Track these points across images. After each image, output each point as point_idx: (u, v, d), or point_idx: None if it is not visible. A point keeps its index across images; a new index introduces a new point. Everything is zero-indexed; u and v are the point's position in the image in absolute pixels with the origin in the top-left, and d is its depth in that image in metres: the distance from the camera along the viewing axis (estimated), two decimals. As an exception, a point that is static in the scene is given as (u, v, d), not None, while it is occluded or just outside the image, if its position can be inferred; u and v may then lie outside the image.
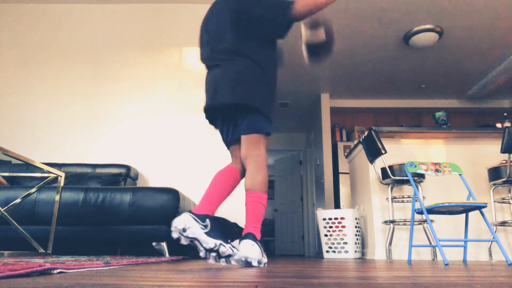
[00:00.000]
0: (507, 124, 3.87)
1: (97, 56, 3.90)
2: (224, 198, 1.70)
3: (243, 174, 1.79)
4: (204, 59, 1.82)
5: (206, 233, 1.44)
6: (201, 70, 3.85)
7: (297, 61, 5.07)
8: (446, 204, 2.20)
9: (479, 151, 3.45)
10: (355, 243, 3.51)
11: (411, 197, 3.18)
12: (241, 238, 1.57)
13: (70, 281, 0.74)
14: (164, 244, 2.60)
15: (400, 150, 3.47)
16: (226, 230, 2.76)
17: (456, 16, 4.05)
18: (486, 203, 2.20)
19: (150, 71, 3.86)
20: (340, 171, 5.78)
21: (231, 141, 1.79)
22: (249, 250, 1.49)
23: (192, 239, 1.42)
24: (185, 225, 1.42)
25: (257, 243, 1.53)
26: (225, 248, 1.43)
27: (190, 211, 1.52)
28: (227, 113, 1.73)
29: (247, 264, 1.46)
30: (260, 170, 1.67)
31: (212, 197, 1.63)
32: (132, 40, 3.96)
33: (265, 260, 1.55)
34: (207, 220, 1.47)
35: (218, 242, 1.42)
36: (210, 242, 1.41)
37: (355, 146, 3.84)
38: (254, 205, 1.59)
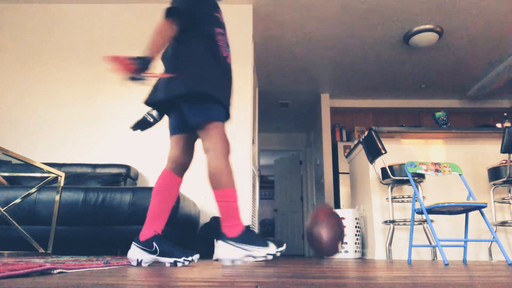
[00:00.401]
0: (507, 124, 3.87)
1: (97, 56, 3.90)
2: (169, 210, 1.74)
3: (180, 170, 1.77)
4: None
5: (159, 255, 1.58)
6: (201, 70, 3.84)
7: (297, 61, 5.07)
8: (446, 204, 2.20)
9: (479, 151, 3.45)
10: (355, 243, 3.51)
11: (411, 197, 3.18)
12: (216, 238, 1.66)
13: (70, 281, 0.74)
14: (164, 244, 2.60)
15: (400, 150, 3.47)
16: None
17: (456, 16, 4.05)
18: (486, 203, 2.20)
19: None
20: (340, 171, 5.78)
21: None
22: (221, 252, 1.56)
23: (152, 262, 1.63)
24: (137, 259, 1.60)
25: (228, 242, 1.54)
26: (180, 263, 1.57)
27: (136, 240, 1.63)
28: None
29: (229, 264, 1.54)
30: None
31: (154, 216, 1.69)
32: (132, 40, 3.96)
33: (257, 251, 1.51)
34: (154, 244, 1.60)
35: (173, 259, 1.57)
36: (166, 261, 1.58)
37: (355, 146, 3.84)
38: (220, 205, 1.60)
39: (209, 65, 1.65)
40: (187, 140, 1.74)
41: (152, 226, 1.66)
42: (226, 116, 1.71)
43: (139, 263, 1.61)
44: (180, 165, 1.73)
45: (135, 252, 1.62)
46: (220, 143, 1.58)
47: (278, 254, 1.52)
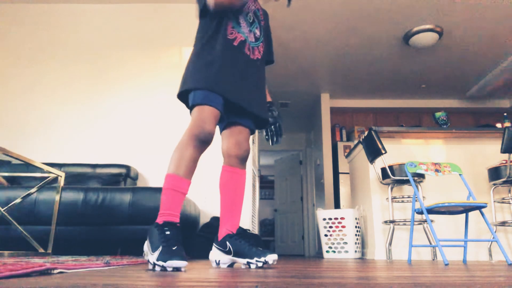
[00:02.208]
0: (507, 124, 3.87)
1: (97, 56, 3.90)
2: (238, 206, 1.66)
3: (235, 164, 1.65)
4: None
5: (233, 255, 1.50)
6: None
7: (297, 61, 5.07)
8: (446, 204, 2.20)
9: (479, 151, 3.45)
10: (355, 243, 3.51)
11: (411, 197, 3.18)
12: None
13: (70, 281, 0.74)
14: (164, 244, 2.60)
15: (400, 150, 3.47)
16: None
17: (456, 16, 4.05)
18: (486, 203, 2.20)
19: (150, 71, 3.86)
20: (340, 171, 5.78)
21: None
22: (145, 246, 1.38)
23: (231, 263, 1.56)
24: (215, 260, 1.55)
25: (149, 238, 1.31)
26: (254, 265, 1.44)
27: (215, 240, 1.58)
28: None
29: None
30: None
31: (224, 214, 1.63)
32: (132, 40, 3.96)
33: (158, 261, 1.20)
34: (227, 244, 1.52)
35: (246, 260, 1.46)
36: (241, 262, 1.49)
37: (355, 146, 3.84)
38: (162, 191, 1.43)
39: (202, 56, 1.55)
40: (232, 132, 1.65)
41: (225, 224, 1.59)
42: (223, 104, 1.51)
43: (217, 264, 1.54)
44: (232, 157, 1.63)
45: (214, 253, 1.56)
46: (189, 126, 1.46)
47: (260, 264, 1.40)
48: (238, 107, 1.57)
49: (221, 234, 1.57)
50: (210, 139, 1.46)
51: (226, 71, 1.52)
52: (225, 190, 1.64)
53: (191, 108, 1.50)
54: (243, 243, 1.48)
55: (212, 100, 1.47)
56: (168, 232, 1.28)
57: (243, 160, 1.65)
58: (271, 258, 1.39)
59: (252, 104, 1.58)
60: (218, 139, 3.44)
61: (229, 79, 1.52)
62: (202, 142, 1.44)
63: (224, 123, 1.66)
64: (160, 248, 1.22)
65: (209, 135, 1.45)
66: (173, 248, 1.21)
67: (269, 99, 1.80)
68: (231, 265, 1.55)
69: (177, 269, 1.18)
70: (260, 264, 1.39)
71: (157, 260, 1.19)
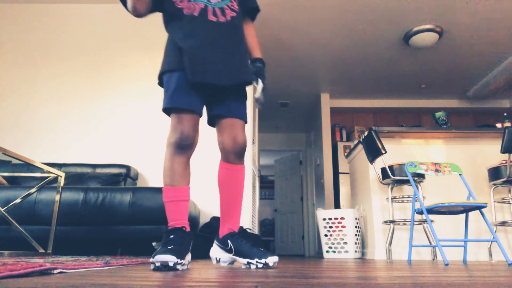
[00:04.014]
0: (507, 124, 3.87)
1: (98, 56, 3.90)
2: (236, 203, 1.59)
3: (228, 161, 1.57)
4: None
5: (234, 254, 1.48)
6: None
7: (297, 61, 5.07)
8: (446, 204, 2.20)
9: (479, 151, 3.45)
10: (355, 243, 3.51)
11: (411, 197, 3.18)
12: None
13: (70, 281, 0.74)
14: (164, 244, 2.60)
15: (400, 150, 3.47)
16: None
17: (456, 16, 4.05)
18: (486, 203, 2.20)
19: (151, 71, 3.86)
20: (340, 171, 5.77)
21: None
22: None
23: (232, 262, 1.55)
24: (216, 257, 1.55)
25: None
26: (254, 265, 1.43)
27: (216, 238, 1.57)
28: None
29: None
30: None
31: (224, 212, 1.60)
32: (134, 40, 3.96)
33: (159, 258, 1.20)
34: (229, 242, 1.50)
35: (246, 260, 1.44)
36: (241, 262, 1.47)
37: (355, 146, 3.84)
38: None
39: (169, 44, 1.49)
40: (223, 125, 1.53)
41: (226, 222, 1.55)
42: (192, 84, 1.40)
43: (217, 261, 1.55)
44: (228, 153, 1.53)
45: (215, 250, 1.55)
46: (168, 134, 1.43)
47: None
48: (211, 88, 1.46)
49: (223, 232, 1.55)
50: (189, 143, 1.42)
51: (188, 52, 1.41)
52: (224, 188, 1.58)
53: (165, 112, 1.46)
54: (245, 243, 1.46)
55: (179, 100, 1.40)
56: (172, 236, 1.35)
57: (239, 154, 1.54)
58: (272, 260, 1.37)
59: (222, 74, 1.42)
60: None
61: (191, 60, 1.40)
62: (182, 147, 1.41)
63: (212, 113, 1.54)
64: (158, 248, 1.28)
65: (186, 139, 1.40)
66: (168, 247, 1.26)
67: (256, 55, 1.61)
68: (231, 263, 1.55)
69: (166, 266, 1.19)
70: (260, 265, 1.37)
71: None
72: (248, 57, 1.59)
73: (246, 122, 1.57)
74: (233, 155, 1.54)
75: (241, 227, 1.61)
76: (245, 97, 1.57)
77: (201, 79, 1.39)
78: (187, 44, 1.43)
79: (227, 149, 1.53)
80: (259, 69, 1.56)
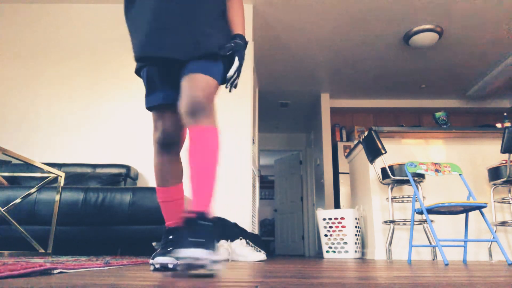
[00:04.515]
0: (507, 124, 3.87)
1: (98, 56, 3.90)
2: (195, 179, 1.16)
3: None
4: None
5: None
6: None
7: (297, 61, 5.07)
8: (446, 204, 2.20)
9: (479, 151, 3.45)
10: (355, 243, 3.51)
11: (411, 197, 3.18)
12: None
13: (70, 281, 0.74)
14: (164, 244, 2.60)
15: (400, 150, 3.47)
16: (226, 230, 2.75)
17: (456, 16, 4.05)
18: (486, 203, 2.20)
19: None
20: (340, 171, 5.77)
21: None
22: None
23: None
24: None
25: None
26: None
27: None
28: None
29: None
30: None
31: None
32: (132, 40, 3.96)
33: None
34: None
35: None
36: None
37: (355, 146, 3.84)
38: None
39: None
40: (181, 88, 1.29)
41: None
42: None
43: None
44: (183, 116, 1.22)
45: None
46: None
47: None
48: (172, 65, 1.27)
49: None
50: (172, 140, 1.32)
51: (130, 23, 1.28)
52: (189, 162, 1.19)
53: None
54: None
55: (151, 97, 1.30)
56: (171, 237, 1.30)
57: (192, 113, 1.16)
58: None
59: (174, 45, 1.20)
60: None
61: (136, 35, 1.25)
62: (165, 145, 1.33)
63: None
64: (157, 249, 1.28)
65: (168, 137, 1.31)
66: (168, 249, 1.24)
67: (237, 31, 1.37)
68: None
69: (166, 268, 1.19)
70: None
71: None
72: (219, 26, 1.33)
73: (215, 79, 1.23)
74: (187, 116, 1.17)
75: (201, 213, 1.09)
76: (215, 57, 1.25)
77: (143, 53, 1.20)
78: (130, 15, 1.28)
79: (182, 111, 1.18)
80: (237, 46, 1.31)
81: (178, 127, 1.32)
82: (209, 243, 0.96)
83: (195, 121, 1.16)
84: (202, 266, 0.91)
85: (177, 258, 0.96)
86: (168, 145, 1.32)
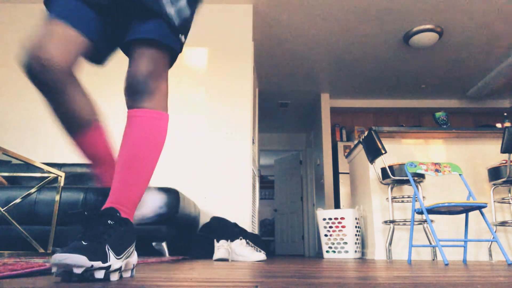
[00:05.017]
0: (507, 124, 3.87)
1: (97, 56, 3.90)
2: (122, 168, 0.99)
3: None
4: None
5: None
6: (201, 69, 3.85)
7: (297, 61, 5.07)
8: (446, 204, 2.20)
9: (479, 151, 3.45)
10: (355, 243, 3.51)
11: (411, 197, 3.18)
12: None
13: (70, 281, 0.74)
14: (164, 244, 2.60)
15: (400, 150, 3.47)
16: (226, 230, 2.76)
17: (456, 16, 4.05)
18: (486, 203, 2.20)
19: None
20: (340, 171, 5.78)
21: None
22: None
23: None
24: None
25: None
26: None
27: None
28: None
29: None
30: None
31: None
32: (132, 40, 3.96)
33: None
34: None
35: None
36: None
37: (355, 146, 3.84)
38: None
39: None
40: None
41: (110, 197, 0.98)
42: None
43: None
44: (125, 97, 1.05)
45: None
46: None
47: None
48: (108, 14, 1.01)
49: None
50: (49, 74, 0.91)
51: None
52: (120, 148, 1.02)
53: None
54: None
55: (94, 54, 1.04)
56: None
57: (131, 93, 0.99)
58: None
59: None
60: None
61: None
62: (35, 74, 0.90)
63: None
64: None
65: (40, 58, 0.89)
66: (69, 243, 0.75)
67: None
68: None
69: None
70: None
71: None
72: None
73: (160, 41, 0.98)
74: (127, 97, 1.01)
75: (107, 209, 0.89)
76: (153, 11, 0.96)
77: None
78: None
79: (124, 92, 1.00)
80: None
81: (64, 54, 0.95)
82: (96, 248, 0.74)
83: (136, 100, 0.98)
84: (77, 275, 0.70)
85: (52, 263, 0.72)
86: (39, 73, 0.90)
